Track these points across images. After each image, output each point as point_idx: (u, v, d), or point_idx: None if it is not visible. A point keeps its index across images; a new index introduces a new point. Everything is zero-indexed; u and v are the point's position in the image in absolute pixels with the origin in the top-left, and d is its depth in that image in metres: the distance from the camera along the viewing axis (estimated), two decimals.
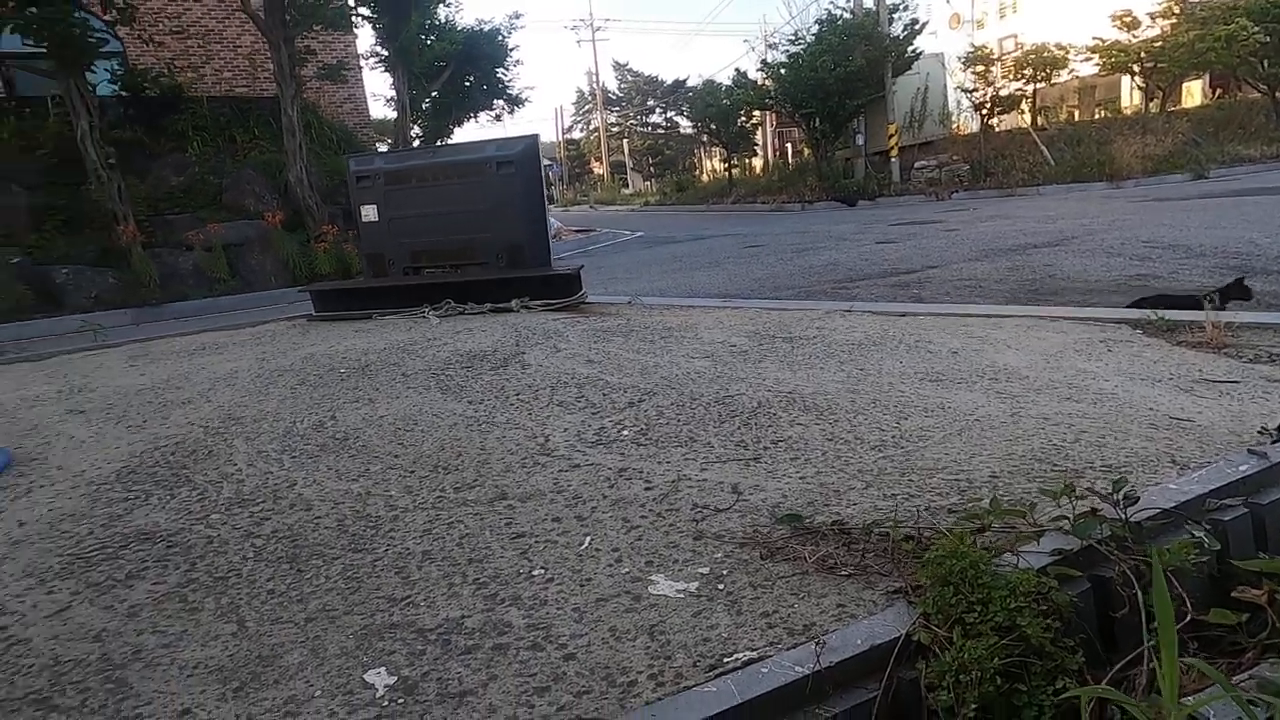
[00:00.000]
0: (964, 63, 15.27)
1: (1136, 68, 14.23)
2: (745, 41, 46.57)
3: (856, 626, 0.83)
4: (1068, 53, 14.21)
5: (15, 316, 7.85)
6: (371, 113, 16.12)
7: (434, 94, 14.17)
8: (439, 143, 15.65)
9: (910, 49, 14.88)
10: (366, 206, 3.74)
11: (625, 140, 36.45)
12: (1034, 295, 3.89)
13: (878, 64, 14.63)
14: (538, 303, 3.45)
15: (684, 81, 36.30)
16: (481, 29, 13.89)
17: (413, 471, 1.59)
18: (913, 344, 2.41)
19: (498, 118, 15.21)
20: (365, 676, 0.89)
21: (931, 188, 13.75)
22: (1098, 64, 14.49)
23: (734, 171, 21.64)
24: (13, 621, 1.11)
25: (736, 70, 18.15)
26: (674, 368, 2.29)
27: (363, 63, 14.78)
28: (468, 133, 16.52)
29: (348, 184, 3.84)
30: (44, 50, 8.24)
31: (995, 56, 15.43)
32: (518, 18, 14.41)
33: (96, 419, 2.16)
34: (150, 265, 8.43)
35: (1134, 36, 13.95)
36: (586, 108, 40.83)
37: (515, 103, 14.69)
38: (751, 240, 9.31)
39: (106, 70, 9.72)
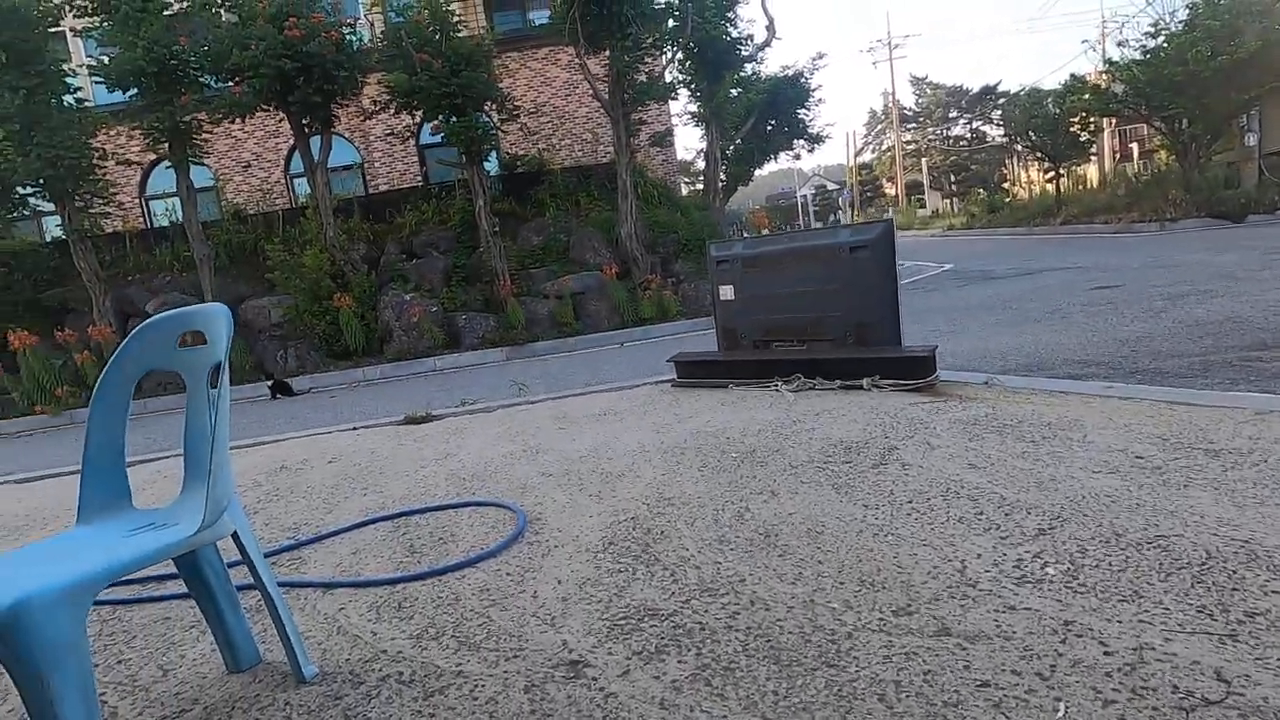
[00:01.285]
0: None
1: None
2: (1084, 42, 40.77)
3: None
4: None
5: (433, 351, 10.29)
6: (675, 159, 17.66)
7: (736, 141, 15.05)
8: (738, 187, 16.57)
9: None
10: (724, 286, 4.23)
11: (924, 158, 34.17)
12: None
13: None
14: (888, 382, 3.55)
15: (994, 87, 32.93)
16: (785, 75, 14.41)
17: (842, 583, 1.82)
18: None
19: (796, 157, 15.62)
20: None
21: None
22: None
23: (1061, 186, 18.94)
24: (599, 675, 1.58)
25: (1071, 75, 15.94)
26: (1075, 484, 2.21)
27: (675, 119, 16.32)
28: (766, 173, 17.18)
29: (706, 265, 4.36)
30: (451, 144, 10.74)
31: None
32: (820, 58, 14.65)
33: (564, 484, 2.83)
34: (519, 312, 10.38)
35: None
36: (879, 127, 39.30)
37: (815, 141, 14.92)
38: (1100, 278, 8.13)
39: (495, 156, 12.32)
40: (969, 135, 35.18)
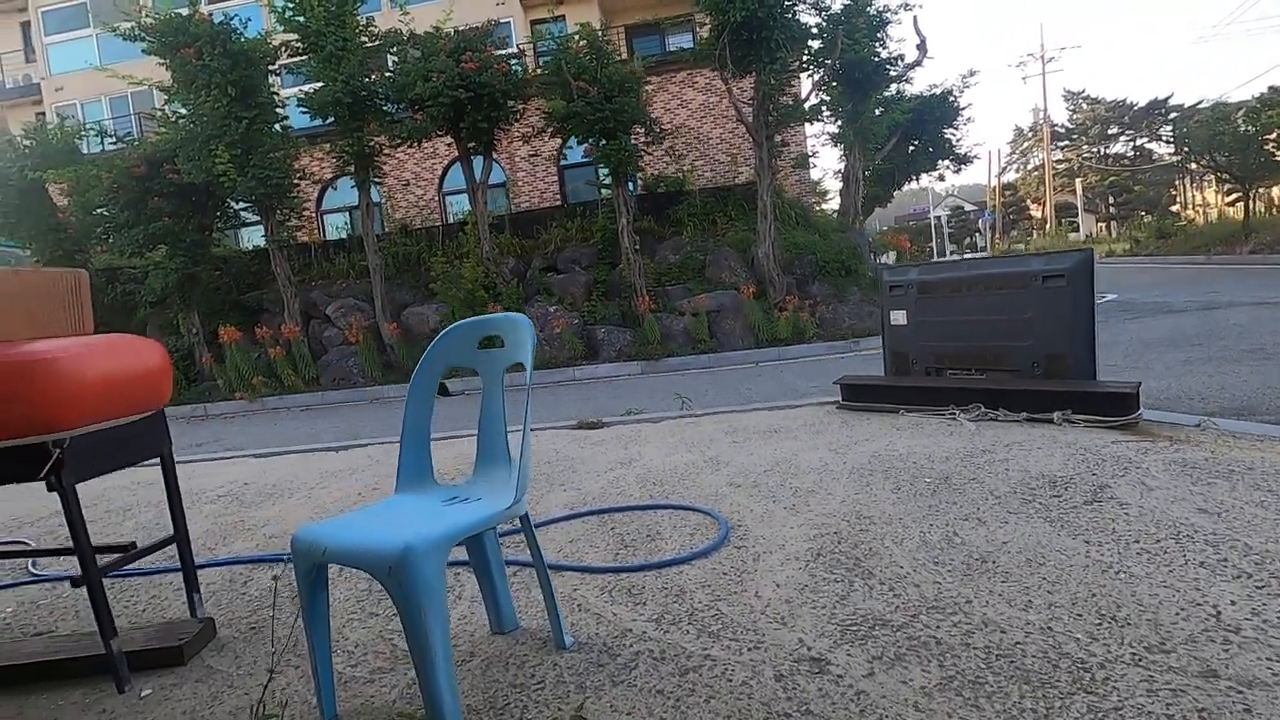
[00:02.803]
0: None
1: None
2: None
3: None
4: None
5: (573, 362, 10.78)
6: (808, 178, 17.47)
7: (876, 161, 14.72)
8: (875, 208, 16.17)
9: None
10: (896, 311, 4.23)
11: (1078, 178, 31.68)
12: None
13: None
14: (1081, 417, 3.41)
15: (1164, 101, 30.01)
16: (932, 94, 13.96)
17: (1080, 615, 1.82)
18: None
19: (940, 178, 15.03)
20: None
21: None
22: None
23: (1251, 210, 16.96)
24: (844, 674, 1.68)
25: (1269, 87, 14.32)
26: None
27: (812, 140, 16.20)
28: (897, 192, 16.64)
29: (879, 291, 4.37)
30: (600, 165, 11.26)
31: None
32: (971, 75, 14.07)
33: (754, 494, 2.97)
34: (655, 327, 10.67)
35: None
36: (1025, 145, 36.83)
37: (962, 161, 14.31)
38: None
39: (637, 176, 12.80)
40: (1132, 153, 32.19)
